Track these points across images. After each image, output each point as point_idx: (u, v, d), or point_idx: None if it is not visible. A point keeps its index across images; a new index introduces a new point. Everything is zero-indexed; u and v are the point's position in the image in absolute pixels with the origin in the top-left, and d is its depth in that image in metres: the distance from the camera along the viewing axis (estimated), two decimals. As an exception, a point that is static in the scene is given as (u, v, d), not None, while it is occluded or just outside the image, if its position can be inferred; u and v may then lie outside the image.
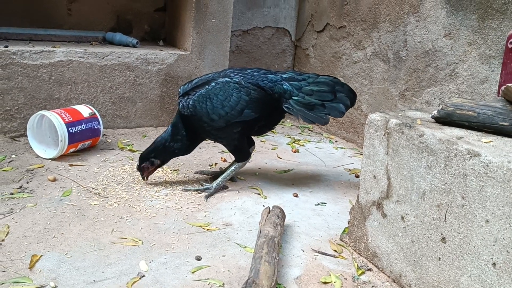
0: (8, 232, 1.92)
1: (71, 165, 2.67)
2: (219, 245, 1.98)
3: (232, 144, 2.47)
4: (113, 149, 3.00)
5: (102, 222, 2.08)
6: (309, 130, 3.86)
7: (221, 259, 1.87)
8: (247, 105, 2.38)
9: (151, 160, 2.46)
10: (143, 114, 3.41)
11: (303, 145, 3.43)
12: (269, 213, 2.10)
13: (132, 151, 2.99)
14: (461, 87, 2.63)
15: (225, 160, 2.98)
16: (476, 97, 2.54)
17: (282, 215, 2.11)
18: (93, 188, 2.40)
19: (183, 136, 2.46)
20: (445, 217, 1.54)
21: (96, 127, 2.90)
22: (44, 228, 1.98)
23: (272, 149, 3.30)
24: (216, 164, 2.91)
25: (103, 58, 3.18)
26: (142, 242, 1.94)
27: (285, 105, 2.44)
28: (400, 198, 1.73)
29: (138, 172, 2.49)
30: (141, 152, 2.51)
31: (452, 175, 1.51)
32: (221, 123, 2.38)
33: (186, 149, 2.53)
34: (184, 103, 2.40)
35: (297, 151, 3.28)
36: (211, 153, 3.08)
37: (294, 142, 3.48)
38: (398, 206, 1.74)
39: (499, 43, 2.41)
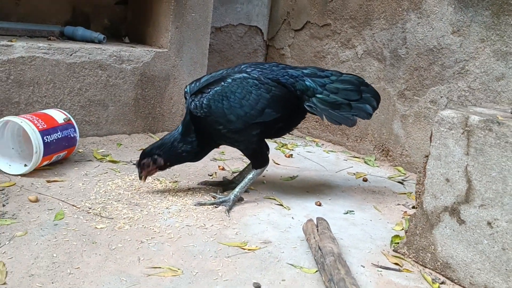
0: (7, 272, 1.47)
1: (48, 182, 2.21)
2: (270, 267, 1.68)
3: (251, 148, 2.18)
4: (90, 160, 2.55)
5: (121, 249, 1.69)
6: (289, 133, 3.64)
7: (283, 285, 1.58)
8: (268, 103, 2.11)
9: (154, 157, 2.12)
10: (115, 119, 2.98)
11: (292, 149, 3.21)
12: (317, 226, 1.85)
13: (113, 162, 2.57)
14: (472, 85, 2.57)
15: (223, 169, 2.66)
16: (491, 95, 2.49)
17: (330, 228, 1.87)
18: (89, 208, 1.98)
19: (193, 140, 2.14)
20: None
21: (72, 135, 2.44)
22: (51, 262, 1.55)
23: (264, 154, 3.04)
24: (216, 173, 2.58)
25: (71, 55, 2.72)
26: (182, 271, 1.59)
27: (307, 104, 2.21)
28: (486, 202, 1.57)
29: (137, 179, 2.20)
30: (136, 158, 2.17)
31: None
32: (239, 124, 2.09)
33: (195, 156, 2.21)
34: (197, 102, 2.07)
35: (290, 156, 3.05)
36: (203, 162, 2.73)
37: (282, 146, 3.25)
38: (483, 210, 1.58)
39: (517, 39, 2.38)
